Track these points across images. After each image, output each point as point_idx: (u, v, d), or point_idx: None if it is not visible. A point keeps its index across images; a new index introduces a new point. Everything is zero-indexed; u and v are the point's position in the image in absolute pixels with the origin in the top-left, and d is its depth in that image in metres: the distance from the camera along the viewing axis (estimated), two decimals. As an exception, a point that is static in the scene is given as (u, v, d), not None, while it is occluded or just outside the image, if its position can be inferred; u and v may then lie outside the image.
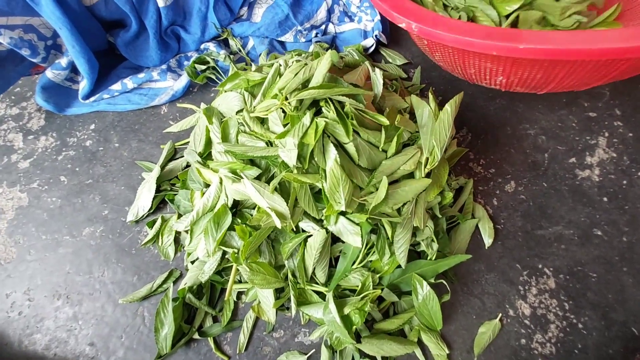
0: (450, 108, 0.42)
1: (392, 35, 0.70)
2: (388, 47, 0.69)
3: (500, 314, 0.46)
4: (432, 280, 0.45)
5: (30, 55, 0.61)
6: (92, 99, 0.66)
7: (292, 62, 0.43)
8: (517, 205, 0.53)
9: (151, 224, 0.54)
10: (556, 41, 0.39)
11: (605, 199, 0.53)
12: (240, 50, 0.69)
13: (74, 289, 0.52)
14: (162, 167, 0.57)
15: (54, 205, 0.58)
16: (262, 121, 0.42)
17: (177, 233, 0.52)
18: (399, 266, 0.44)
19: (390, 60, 0.67)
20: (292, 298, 0.43)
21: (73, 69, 0.66)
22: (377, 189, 0.40)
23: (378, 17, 0.66)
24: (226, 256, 0.46)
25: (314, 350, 0.45)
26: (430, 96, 0.47)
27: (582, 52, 0.38)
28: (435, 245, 0.45)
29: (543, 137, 0.58)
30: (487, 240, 0.51)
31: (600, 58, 0.39)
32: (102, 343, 0.48)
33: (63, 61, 0.63)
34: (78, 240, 0.55)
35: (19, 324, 0.50)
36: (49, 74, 0.64)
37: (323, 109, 0.39)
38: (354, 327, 0.40)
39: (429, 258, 0.46)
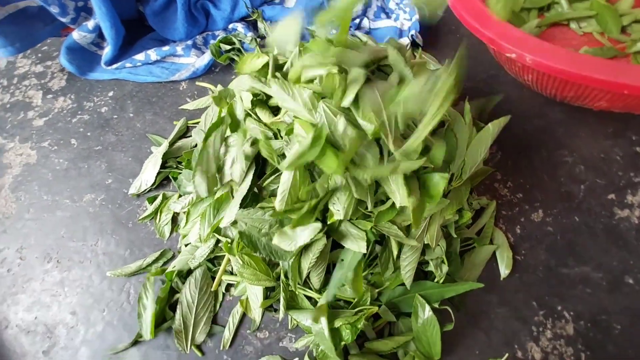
0: (493, 128, 0.38)
1: (429, 37, 0.66)
2: (423, 49, 0.64)
3: (507, 354, 0.42)
4: (436, 305, 0.41)
5: (59, 14, 0.60)
6: (114, 65, 0.65)
7: None
8: (543, 237, 0.48)
9: (151, 200, 0.52)
10: None
11: (644, 245, 0.47)
12: (268, 35, 0.67)
13: (65, 254, 0.51)
14: (172, 143, 0.55)
15: (60, 167, 0.58)
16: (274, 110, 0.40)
17: (176, 213, 0.50)
18: (402, 284, 0.40)
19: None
20: (282, 300, 0.40)
21: (100, 34, 0.65)
22: (386, 199, 0.36)
23: (416, 17, 0.62)
24: (219, 245, 0.43)
25: (297, 358, 0.42)
26: (466, 107, 0.43)
27: None
28: (445, 268, 0.41)
29: (581, 167, 0.53)
30: (504, 271, 0.46)
31: None
32: (83, 313, 0.47)
33: (90, 24, 0.63)
34: (77, 206, 0.54)
35: (5, 281, 0.49)
36: (76, 34, 0.63)
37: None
38: (343, 343, 0.36)
39: (436, 280, 0.42)
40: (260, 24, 0.67)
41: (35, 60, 0.69)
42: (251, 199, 0.39)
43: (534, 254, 0.47)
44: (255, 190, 0.39)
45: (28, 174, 0.57)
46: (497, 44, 0.47)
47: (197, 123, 0.59)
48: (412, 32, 0.61)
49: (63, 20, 0.62)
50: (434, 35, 0.67)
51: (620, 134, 0.55)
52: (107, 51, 0.64)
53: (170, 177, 0.54)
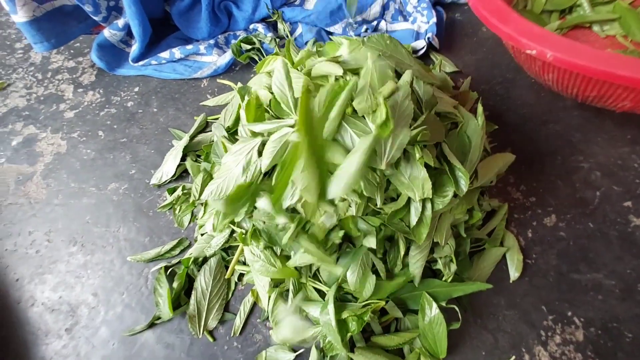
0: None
1: (445, 40, 0.66)
2: (439, 52, 0.65)
3: (514, 357, 0.42)
4: (443, 304, 0.41)
5: (92, 13, 0.64)
6: (140, 62, 0.68)
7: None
8: (555, 242, 0.48)
9: (171, 191, 0.54)
10: None
11: (661, 254, 0.46)
12: (287, 36, 0.68)
13: (90, 239, 0.54)
14: (192, 137, 0.58)
15: (88, 157, 0.61)
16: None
17: (194, 204, 0.52)
18: (410, 281, 0.41)
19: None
20: (291, 292, 0.41)
21: (129, 32, 0.68)
22: (398, 196, 0.37)
23: (434, 20, 0.63)
24: (234, 235, 0.45)
25: (303, 349, 0.43)
26: (479, 110, 0.43)
27: None
28: (453, 267, 0.42)
29: (597, 173, 0.52)
30: (514, 274, 0.46)
31: None
32: (104, 295, 0.49)
33: (120, 22, 0.66)
34: (102, 194, 0.57)
35: (34, 261, 0.52)
36: (106, 32, 0.67)
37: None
38: (349, 334, 0.37)
39: (444, 279, 0.42)
40: (280, 25, 0.69)
41: (68, 56, 0.73)
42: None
43: (545, 258, 0.47)
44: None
45: (58, 163, 0.61)
46: (516, 41, 0.45)
47: (217, 119, 0.61)
48: (429, 34, 0.62)
49: (95, 18, 0.66)
50: (451, 38, 0.67)
51: (639, 141, 0.54)
52: (134, 48, 0.67)
53: (189, 170, 0.56)
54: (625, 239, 0.48)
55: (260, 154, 0.37)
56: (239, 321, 0.45)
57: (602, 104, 0.51)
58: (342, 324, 0.38)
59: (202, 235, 0.49)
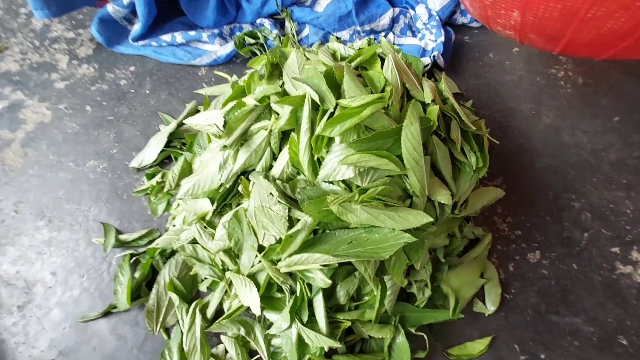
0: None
1: (451, 61, 0.65)
2: (443, 71, 0.64)
3: (478, 394, 0.40)
4: (412, 330, 0.39)
5: (98, -14, 0.63)
6: (141, 42, 0.66)
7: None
8: (536, 280, 0.46)
9: (150, 176, 0.53)
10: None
11: (643, 305, 0.45)
12: (293, 35, 0.67)
13: (59, 215, 0.51)
14: (179, 124, 0.56)
15: (72, 131, 0.59)
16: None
17: (170, 193, 0.50)
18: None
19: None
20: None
21: (133, 10, 0.67)
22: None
23: (442, 39, 0.62)
24: (207, 229, 0.43)
25: (259, 355, 0.41)
26: (483, 129, 0.42)
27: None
28: (427, 292, 0.40)
29: (588, 215, 0.51)
30: (490, 307, 0.44)
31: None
32: (63, 275, 0.47)
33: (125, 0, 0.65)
34: (79, 170, 0.55)
35: (-4, 231, 0.50)
36: (110, 8, 0.66)
37: None
38: (308, 356, 0.35)
39: (416, 304, 0.40)
40: (287, 24, 0.68)
41: (69, 27, 0.72)
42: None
43: (525, 295, 0.46)
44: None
45: (40, 132, 0.59)
46: None
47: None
48: (435, 53, 0.61)
49: (101, -8, 0.64)
50: (457, 60, 0.66)
51: (635, 186, 0.53)
52: (136, 28, 0.65)
53: (172, 157, 0.54)
54: (610, 285, 0.46)
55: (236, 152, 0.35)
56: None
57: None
58: (302, 343, 0.36)
59: (173, 226, 0.47)
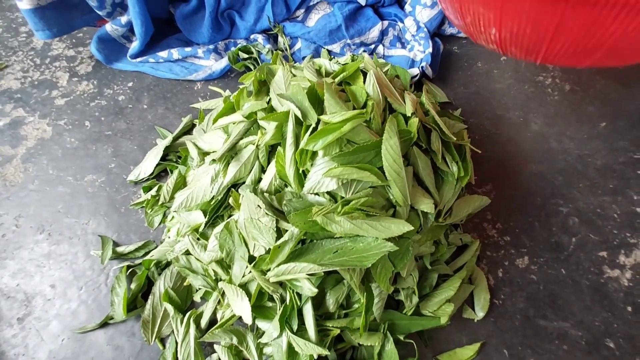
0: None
1: (440, 71, 0.67)
2: (432, 81, 0.66)
3: (468, 400, 0.40)
4: (401, 338, 0.40)
5: (97, 7, 0.65)
6: (138, 59, 0.69)
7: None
8: (525, 285, 0.47)
9: (147, 189, 0.54)
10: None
11: (629, 308, 0.45)
12: (286, 49, 0.69)
13: (58, 229, 0.53)
14: (175, 138, 0.58)
15: (71, 146, 0.61)
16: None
17: (166, 205, 0.52)
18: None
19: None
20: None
21: (131, 28, 0.69)
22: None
23: (430, 50, 0.64)
24: (199, 241, 0.44)
25: (254, 367, 0.41)
26: (465, 138, 0.43)
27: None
28: (415, 299, 0.41)
29: (575, 220, 0.52)
30: (479, 313, 0.45)
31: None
32: (62, 288, 0.48)
33: (123, 19, 0.67)
34: (78, 184, 0.57)
35: (-2, 245, 0.51)
36: (108, 27, 0.68)
37: None
38: None
39: (405, 311, 0.41)
40: (280, 38, 0.70)
41: (69, 45, 0.74)
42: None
43: (514, 300, 0.46)
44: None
45: (40, 148, 0.61)
46: None
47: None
48: (423, 63, 0.63)
49: (100, 13, 0.67)
50: (446, 69, 0.68)
51: (621, 191, 0.54)
52: (134, 45, 0.68)
53: (168, 170, 0.56)
54: (597, 289, 0.47)
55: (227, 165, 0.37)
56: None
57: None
58: (293, 351, 0.37)
59: (168, 238, 0.48)
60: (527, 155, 0.58)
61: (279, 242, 0.34)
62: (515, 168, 0.57)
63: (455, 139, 0.39)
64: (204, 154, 0.45)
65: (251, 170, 0.38)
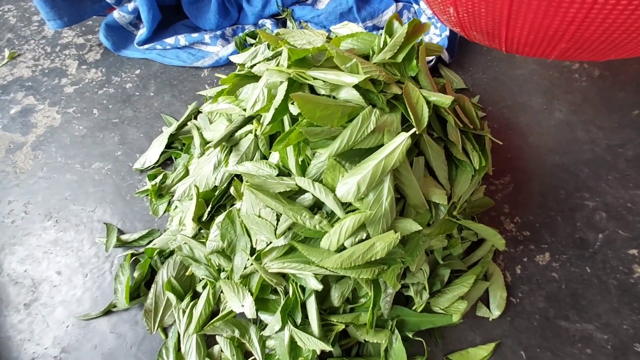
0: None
1: (458, 56, 0.63)
2: (449, 67, 0.62)
3: (480, 403, 0.38)
4: (410, 335, 0.38)
5: (105, -7, 0.64)
6: (146, 46, 0.68)
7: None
8: (545, 284, 0.44)
9: (152, 177, 0.53)
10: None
11: (663, 312, 0.41)
12: (295, 34, 0.67)
13: (65, 216, 0.53)
14: (181, 125, 0.56)
15: (79, 134, 0.61)
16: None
17: (171, 194, 0.51)
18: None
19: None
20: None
21: (138, 16, 0.68)
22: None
23: (446, 33, 0.60)
24: (201, 231, 0.43)
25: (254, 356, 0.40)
26: (485, 128, 0.40)
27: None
28: (425, 295, 0.38)
29: (603, 214, 0.48)
30: (494, 312, 0.42)
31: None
32: (68, 275, 0.48)
33: (130, 6, 0.66)
34: (85, 172, 0.56)
35: (7, 231, 0.51)
36: (116, 14, 0.67)
37: None
38: (301, 359, 0.35)
39: (414, 308, 0.39)
40: (289, 23, 0.67)
41: (79, 33, 0.74)
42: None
43: (532, 299, 0.43)
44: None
45: (50, 135, 0.61)
46: None
47: (209, 110, 0.60)
48: (439, 47, 0.59)
49: (108, 0, 0.66)
50: (464, 54, 0.64)
51: (656, 185, 0.49)
52: (141, 32, 0.67)
53: (173, 158, 0.55)
54: (626, 290, 0.43)
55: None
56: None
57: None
58: (295, 346, 0.35)
59: (172, 227, 0.47)
60: (550, 146, 0.54)
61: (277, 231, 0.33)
62: (537, 159, 0.53)
63: (472, 127, 0.36)
64: (207, 142, 0.44)
65: (252, 159, 0.36)
